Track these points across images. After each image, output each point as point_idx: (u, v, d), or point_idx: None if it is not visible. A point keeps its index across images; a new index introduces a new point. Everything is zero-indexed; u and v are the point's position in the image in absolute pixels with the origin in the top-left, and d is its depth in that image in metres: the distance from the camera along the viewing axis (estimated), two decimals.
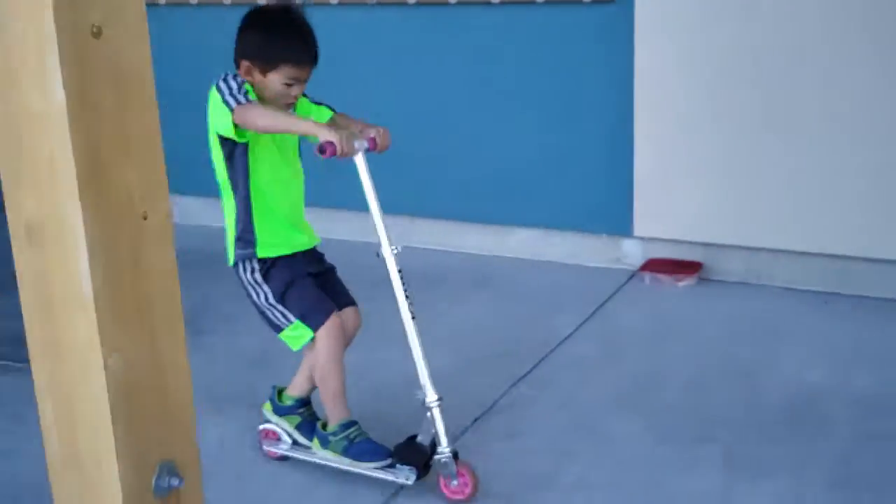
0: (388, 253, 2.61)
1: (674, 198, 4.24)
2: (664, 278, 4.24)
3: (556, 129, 4.43)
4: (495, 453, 2.92)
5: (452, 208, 4.75)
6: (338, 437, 2.74)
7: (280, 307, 2.69)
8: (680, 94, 4.10)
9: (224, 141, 2.60)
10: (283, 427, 2.88)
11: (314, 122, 2.58)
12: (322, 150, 2.47)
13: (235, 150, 2.61)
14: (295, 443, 2.87)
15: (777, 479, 2.72)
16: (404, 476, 2.67)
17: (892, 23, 3.69)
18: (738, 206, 4.12)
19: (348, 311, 2.83)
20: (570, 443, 2.97)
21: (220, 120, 2.54)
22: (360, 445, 2.72)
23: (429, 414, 2.60)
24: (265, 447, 2.92)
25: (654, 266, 4.32)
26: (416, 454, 2.66)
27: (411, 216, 4.82)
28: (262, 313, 2.73)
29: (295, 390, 2.90)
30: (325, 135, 2.46)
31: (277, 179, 2.70)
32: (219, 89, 2.53)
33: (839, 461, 2.80)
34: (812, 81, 3.85)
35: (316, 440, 2.80)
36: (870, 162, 3.83)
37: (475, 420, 3.13)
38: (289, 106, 2.67)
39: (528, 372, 3.44)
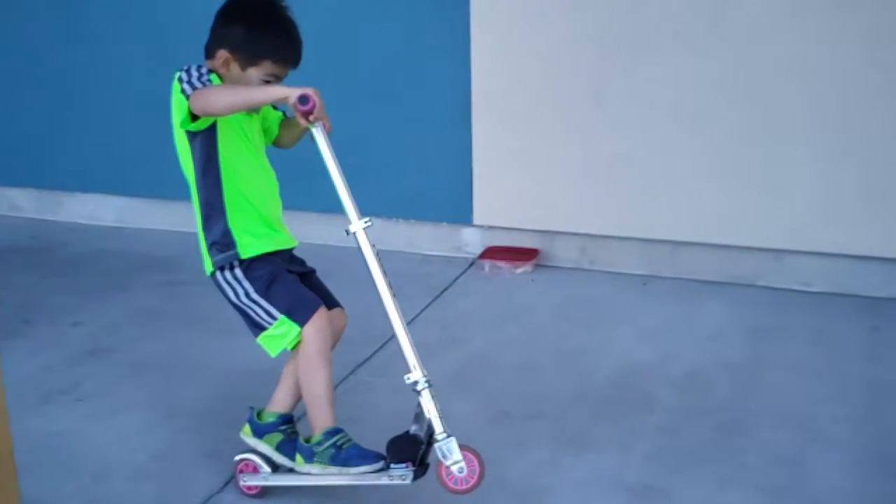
0: (358, 227, 2.42)
1: (511, 186, 4.35)
2: (503, 265, 4.34)
3: (396, 118, 4.48)
4: None
5: (292, 198, 4.71)
6: (323, 447, 2.46)
7: (264, 302, 2.48)
8: (515, 84, 4.21)
9: (191, 137, 2.44)
10: (261, 450, 2.60)
11: (276, 86, 2.42)
12: (305, 100, 2.28)
13: (201, 141, 2.44)
14: (275, 468, 2.59)
15: (602, 451, 2.84)
16: (399, 476, 2.39)
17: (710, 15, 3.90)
18: (571, 194, 4.26)
19: (335, 313, 2.66)
20: (406, 426, 3.01)
21: (180, 113, 2.39)
22: (348, 451, 2.45)
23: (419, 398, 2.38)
24: (242, 482, 2.63)
25: (493, 253, 4.42)
26: (409, 447, 2.39)
27: None
28: (243, 312, 2.52)
29: (276, 406, 2.64)
30: (296, 90, 2.29)
31: (251, 172, 2.53)
32: (180, 80, 2.39)
33: (661, 434, 2.95)
34: (639, 69, 4.02)
35: (299, 456, 2.51)
36: (689, 147, 4.02)
37: None
38: (257, 110, 2.55)
39: (367, 359, 3.47)
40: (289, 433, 2.62)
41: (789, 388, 3.20)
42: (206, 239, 2.52)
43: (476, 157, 4.34)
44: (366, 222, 2.42)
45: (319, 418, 2.49)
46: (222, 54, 2.47)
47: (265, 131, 2.67)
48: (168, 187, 5.00)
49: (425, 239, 4.56)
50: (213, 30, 2.52)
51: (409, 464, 2.39)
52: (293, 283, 2.53)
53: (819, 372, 3.32)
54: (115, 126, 5.01)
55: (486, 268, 4.36)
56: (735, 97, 3.90)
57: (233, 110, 2.39)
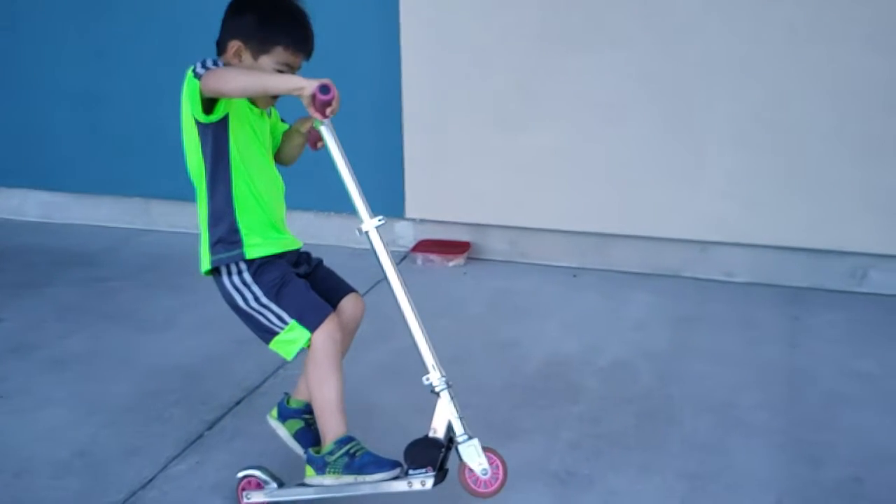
0: (370, 226, 2.32)
1: (443, 180, 4.37)
2: (435, 258, 4.36)
3: None
4: (259, 434, 2.92)
5: None
6: (335, 456, 2.34)
7: (274, 306, 2.39)
8: (445, 78, 4.22)
9: (201, 129, 2.36)
10: (280, 434, 2.60)
11: (292, 76, 2.32)
12: (327, 89, 2.18)
13: (212, 134, 2.35)
14: (280, 484, 2.48)
15: (528, 440, 2.87)
16: (419, 482, 2.27)
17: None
18: (501, 188, 4.29)
19: (350, 299, 2.59)
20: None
21: (192, 102, 2.31)
22: (362, 458, 2.33)
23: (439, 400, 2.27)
24: (245, 499, 2.49)
25: (426, 247, 4.43)
26: (429, 450, 2.28)
27: (184, 200, 4.76)
28: (251, 318, 2.43)
29: (301, 395, 2.61)
30: (314, 80, 2.19)
31: (260, 171, 2.45)
32: (193, 69, 2.30)
33: (585, 422, 2.99)
34: (566, 64, 4.06)
35: (309, 468, 2.38)
36: (616, 140, 4.08)
37: (237, 402, 3.12)
38: (275, 99, 2.47)
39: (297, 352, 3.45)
40: (310, 423, 2.57)
41: (711, 377, 3.27)
42: (211, 236, 2.44)
43: (407, 151, 4.35)
44: (379, 220, 2.32)
45: (331, 426, 2.38)
46: (234, 44, 2.39)
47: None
48: (93, 183, 4.95)
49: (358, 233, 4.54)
50: (224, 23, 2.45)
51: (429, 468, 2.28)
52: (303, 287, 2.45)
53: (740, 360, 3.40)
54: (41, 121, 4.92)
55: (419, 261, 4.37)
56: (659, 91, 3.96)
57: (245, 93, 2.32)
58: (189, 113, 2.35)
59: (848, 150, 3.81)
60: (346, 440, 2.36)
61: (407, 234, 4.52)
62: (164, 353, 3.48)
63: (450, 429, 2.27)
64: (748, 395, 3.13)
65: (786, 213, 3.93)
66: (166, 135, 4.66)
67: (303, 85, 2.21)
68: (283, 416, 2.62)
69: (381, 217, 2.32)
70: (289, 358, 2.45)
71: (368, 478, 2.30)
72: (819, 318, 3.73)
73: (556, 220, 4.26)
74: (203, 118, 2.33)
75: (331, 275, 2.64)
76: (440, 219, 4.44)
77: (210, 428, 2.98)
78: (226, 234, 2.42)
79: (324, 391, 2.38)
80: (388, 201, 4.45)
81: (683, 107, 3.95)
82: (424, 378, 2.29)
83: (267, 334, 2.43)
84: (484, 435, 2.85)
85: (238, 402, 3.12)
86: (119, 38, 4.68)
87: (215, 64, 2.35)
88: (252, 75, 2.30)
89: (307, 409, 2.59)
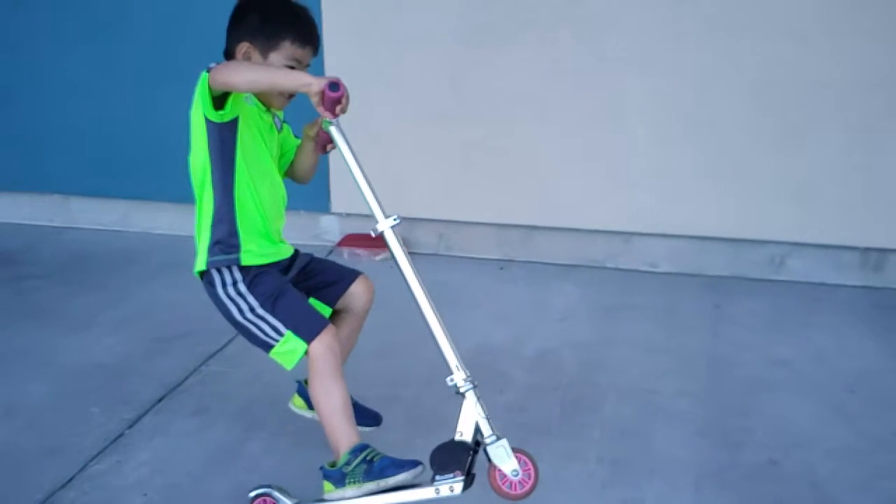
0: (385, 226, 2.27)
1: (368, 173, 4.34)
2: (362, 252, 4.34)
3: None
4: (179, 431, 2.90)
5: (146, 188, 4.62)
6: (353, 465, 2.25)
7: (270, 318, 2.35)
8: (371, 70, 4.21)
9: (210, 128, 2.32)
10: (307, 416, 2.61)
11: (301, 72, 2.29)
12: (336, 86, 2.15)
13: (220, 134, 2.33)
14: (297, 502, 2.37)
15: (453, 431, 2.87)
16: (447, 488, 2.16)
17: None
18: (428, 181, 4.29)
19: (359, 283, 2.62)
20: (258, 415, 2.99)
21: (203, 101, 2.29)
22: (381, 462, 2.25)
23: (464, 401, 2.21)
24: None
25: (352, 241, 4.42)
26: (456, 454, 2.18)
27: (105, 197, 4.69)
28: (246, 330, 2.38)
29: None
30: (323, 77, 2.17)
31: (264, 179, 2.43)
32: (207, 68, 2.27)
33: (511, 411, 3.01)
34: (492, 58, 4.07)
35: (327, 484, 2.28)
36: (540, 134, 4.11)
37: (159, 400, 3.08)
38: (289, 98, 2.45)
39: (220, 349, 3.42)
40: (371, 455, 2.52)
41: (634, 365, 3.32)
42: (211, 237, 2.40)
43: None
44: (394, 220, 2.27)
45: (342, 437, 2.31)
46: (242, 47, 2.39)
47: (282, 155, 2.60)
48: (13, 180, 4.83)
49: (284, 227, 4.51)
50: (229, 32, 2.45)
51: (457, 473, 2.17)
52: (300, 298, 2.44)
53: (663, 348, 3.45)
54: None
55: (346, 255, 4.35)
56: (582, 85, 4.00)
57: (253, 86, 2.30)
58: (200, 111, 2.32)
59: (765, 140, 3.89)
60: (360, 448, 2.28)
61: (332, 229, 4.51)
62: (84, 352, 3.41)
63: (477, 430, 2.20)
64: (670, 383, 3.19)
65: (706, 204, 4.01)
66: (85, 131, 4.62)
67: (311, 81, 2.19)
68: (306, 395, 2.59)
69: (396, 216, 2.27)
70: (289, 367, 2.39)
71: (391, 480, 2.21)
72: (739, 306, 3.81)
73: (483, 213, 4.28)
74: (213, 115, 2.30)
75: (328, 266, 2.64)
76: (367, 212, 4.40)
77: (131, 427, 2.93)
78: (225, 237, 2.39)
79: (330, 402, 2.32)
80: (313, 195, 4.42)
81: (606, 100, 4.00)
82: (448, 379, 2.23)
83: (264, 346, 2.39)
84: (409, 427, 2.88)
85: (159, 400, 3.08)
86: (34, 31, 4.57)
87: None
88: (261, 69, 2.31)
89: None
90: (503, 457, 2.17)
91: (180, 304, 3.81)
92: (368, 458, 2.26)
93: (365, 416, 2.64)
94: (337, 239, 4.46)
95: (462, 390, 2.22)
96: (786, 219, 3.95)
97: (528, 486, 2.17)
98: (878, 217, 3.86)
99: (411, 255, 4.29)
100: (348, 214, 4.45)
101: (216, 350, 3.41)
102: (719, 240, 4.07)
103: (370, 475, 2.22)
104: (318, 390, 2.33)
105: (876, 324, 3.65)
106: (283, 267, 2.50)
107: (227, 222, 2.38)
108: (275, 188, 2.50)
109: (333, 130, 2.29)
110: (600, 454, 2.76)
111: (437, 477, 2.18)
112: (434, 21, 4.10)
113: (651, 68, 3.92)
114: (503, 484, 2.17)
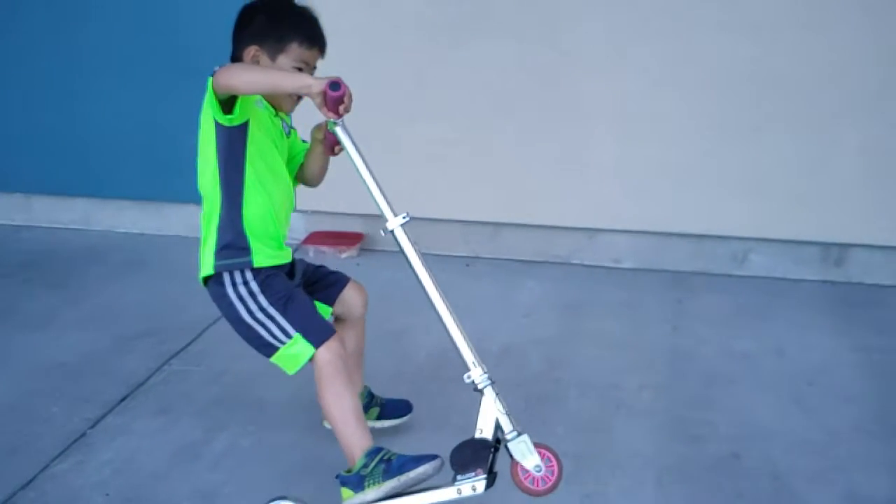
0: (395, 224, 2.25)
1: (333, 170, 4.32)
2: (327, 250, 4.34)
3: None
4: (142, 431, 2.88)
5: (108, 186, 4.59)
6: (370, 468, 2.25)
7: (280, 318, 2.34)
8: (334, 64, 4.17)
9: (220, 132, 2.32)
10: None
11: (304, 74, 2.32)
12: (337, 86, 2.15)
13: (230, 138, 2.32)
14: None
15: (419, 427, 2.88)
16: (470, 487, 2.14)
17: None
18: (393, 178, 4.26)
19: (351, 287, 2.66)
20: (221, 414, 2.98)
21: (211, 105, 2.29)
22: (399, 459, 2.25)
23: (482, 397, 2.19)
24: None
25: (317, 239, 4.41)
26: (477, 452, 2.16)
27: (66, 196, 4.64)
28: (251, 330, 2.36)
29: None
30: (323, 78, 2.17)
31: (277, 183, 2.43)
32: (212, 72, 2.26)
33: (475, 408, 2.99)
34: (455, 58, 4.08)
35: (346, 491, 2.27)
36: (505, 130, 4.12)
37: (122, 399, 3.06)
38: (297, 100, 2.46)
39: (183, 348, 3.40)
40: (379, 401, 2.78)
41: (597, 360, 3.34)
42: (218, 241, 2.38)
43: None
44: (403, 218, 2.26)
45: (355, 442, 2.30)
46: (250, 50, 2.39)
47: (290, 160, 2.60)
48: None
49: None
50: (235, 37, 2.44)
51: (479, 471, 2.15)
52: (309, 303, 2.44)
53: (626, 343, 3.48)
54: None
55: (311, 253, 4.34)
56: (546, 81, 4.01)
57: (255, 88, 2.26)
58: (209, 115, 2.31)
59: (726, 136, 3.93)
60: (376, 450, 2.28)
61: (298, 226, 4.48)
62: (46, 351, 3.38)
63: (497, 427, 2.18)
64: (632, 378, 3.21)
65: (668, 200, 4.04)
66: (47, 129, 4.56)
67: (311, 83, 2.18)
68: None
69: (405, 214, 2.26)
70: (291, 372, 2.38)
71: (412, 474, 2.19)
72: (701, 301, 3.84)
73: (449, 210, 4.28)
74: (222, 119, 2.29)
75: (320, 269, 2.66)
76: (332, 210, 4.41)
77: (93, 426, 2.90)
78: (232, 240, 2.37)
79: (342, 407, 2.31)
80: None
81: (568, 95, 4.01)
82: (466, 376, 2.21)
83: (268, 349, 2.37)
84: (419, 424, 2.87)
85: (122, 400, 3.06)
86: None
87: None
88: (262, 71, 2.30)
89: (370, 394, 2.75)
90: (525, 452, 2.15)
91: (143, 302, 3.79)
92: (385, 458, 2.25)
93: (396, 407, 2.78)
94: (302, 237, 4.45)
95: (480, 387, 2.20)
96: (747, 214, 3.99)
97: (551, 482, 2.16)
98: (838, 212, 3.91)
99: (376, 252, 4.35)
100: (314, 212, 4.43)
101: (179, 349, 3.39)
102: (682, 235, 4.10)
103: (389, 473, 2.21)
104: (328, 397, 2.31)
105: (836, 318, 3.69)
106: (287, 271, 2.50)
107: (235, 225, 2.36)
108: (287, 192, 2.50)
109: (339, 131, 2.29)
110: (564, 449, 2.74)
111: (459, 476, 2.16)
112: (397, 16, 4.10)
113: (613, 64, 3.95)
114: (526, 480, 2.15)
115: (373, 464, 2.25)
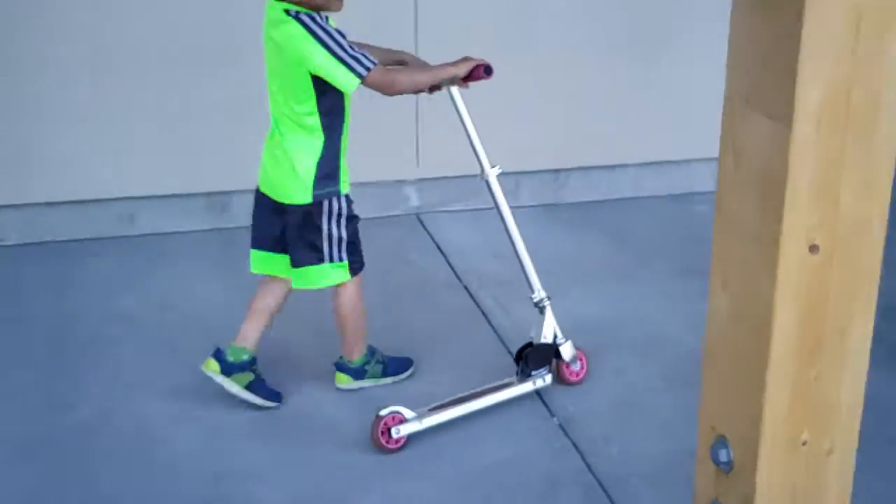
0: (491, 174, 2.79)
1: None
2: None
3: None
4: None
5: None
6: (371, 365, 2.98)
7: (343, 244, 2.78)
8: None
9: (319, 82, 2.62)
10: (230, 389, 2.82)
11: (449, 67, 2.72)
12: (489, 70, 2.71)
13: (334, 94, 2.66)
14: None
15: None
16: (541, 380, 2.88)
17: None
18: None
19: None
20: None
21: (330, 71, 2.58)
22: (392, 363, 3.04)
23: (543, 313, 2.87)
24: (396, 434, 2.68)
25: None
26: (545, 353, 2.87)
27: None
28: (318, 241, 2.74)
29: (248, 342, 2.85)
30: (466, 63, 2.72)
31: (348, 121, 2.77)
32: (351, 69, 2.58)
33: None
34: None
35: (344, 376, 2.96)
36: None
37: None
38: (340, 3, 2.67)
39: None
40: (258, 373, 2.87)
41: None
42: (318, 171, 2.70)
43: None
44: (498, 169, 2.80)
45: (360, 345, 2.95)
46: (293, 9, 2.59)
47: None
48: None
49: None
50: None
51: (547, 367, 2.88)
52: (358, 236, 2.85)
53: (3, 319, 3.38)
54: None
55: None
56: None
57: (418, 88, 2.76)
58: (311, 68, 2.59)
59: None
60: (372, 352, 3.00)
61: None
62: None
63: (555, 334, 2.89)
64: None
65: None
66: None
67: (454, 71, 2.72)
68: (228, 371, 2.81)
69: (498, 166, 2.79)
70: (315, 287, 2.81)
71: (402, 374, 3.04)
72: (87, 269, 3.80)
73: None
74: (348, 88, 2.63)
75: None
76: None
77: None
78: (332, 171, 2.73)
79: (359, 323, 2.92)
80: None
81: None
82: (532, 296, 2.86)
83: (313, 256, 2.76)
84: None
85: None
86: None
87: (320, 18, 2.58)
88: (421, 72, 2.74)
89: (254, 360, 2.85)
90: (570, 352, 2.93)
91: None
92: (381, 360, 3.00)
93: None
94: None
95: (543, 304, 2.87)
96: (135, 174, 4.00)
97: (582, 374, 2.99)
98: (221, 162, 4.04)
99: None
100: None
101: None
102: (66, 203, 3.98)
103: (387, 373, 3.00)
104: (352, 314, 2.89)
105: (223, 263, 3.83)
106: None
107: (335, 157, 2.74)
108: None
109: (454, 90, 2.76)
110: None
111: (533, 372, 2.86)
112: None
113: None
114: (568, 373, 2.96)
115: (373, 362, 2.97)
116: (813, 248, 1.31)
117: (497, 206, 2.82)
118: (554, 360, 2.91)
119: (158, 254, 3.94)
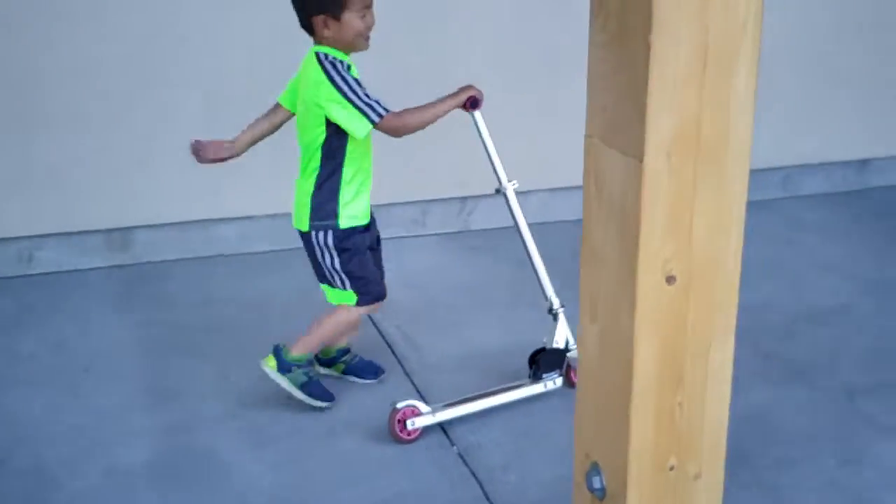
0: (508, 187, 2.97)
1: None
2: None
3: None
4: None
5: None
6: (300, 371, 2.96)
7: (343, 274, 2.92)
8: None
9: (329, 124, 2.79)
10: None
11: (446, 98, 2.89)
12: (475, 104, 2.92)
13: (341, 135, 2.81)
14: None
15: None
16: (552, 382, 3.02)
17: None
18: None
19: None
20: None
21: (344, 118, 2.75)
22: (315, 385, 3.00)
23: (556, 320, 3.00)
24: (411, 426, 2.83)
25: None
26: (556, 358, 3.01)
27: None
28: (319, 266, 2.94)
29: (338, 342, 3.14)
30: (464, 92, 2.90)
31: (368, 152, 2.91)
32: (333, 81, 2.74)
33: None
34: None
35: (272, 360, 2.95)
36: None
37: None
38: (367, 39, 2.81)
39: None
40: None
41: None
42: (313, 202, 2.88)
43: None
44: (513, 184, 2.97)
45: (309, 349, 2.98)
46: (318, 20, 2.75)
47: None
48: None
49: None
50: (299, 11, 2.79)
51: (558, 371, 3.02)
52: (370, 263, 2.97)
53: None
54: None
55: None
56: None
57: (426, 125, 2.87)
58: (326, 112, 2.76)
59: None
60: (310, 363, 3.02)
61: None
62: None
63: (566, 340, 3.01)
64: None
65: None
66: None
67: (454, 103, 2.89)
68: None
69: (514, 181, 2.97)
70: (335, 302, 2.97)
71: (309, 400, 2.98)
72: None
73: None
74: (360, 134, 2.79)
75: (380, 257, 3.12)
76: None
77: None
78: (329, 205, 2.89)
79: (328, 334, 2.99)
80: None
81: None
82: (548, 303, 3.00)
83: (325, 278, 2.96)
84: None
85: None
86: None
87: (341, 66, 2.77)
88: (426, 110, 2.85)
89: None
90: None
91: None
92: (311, 375, 3.00)
93: (368, 369, 3.19)
94: None
95: (556, 312, 3.00)
96: (32, 212, 3.91)
97: None
98: (119, 197, 3.99)
99: None
100: None
101: None
102: None
103: (303, 388, 2.96)
104: (331, 327, 2.97)
105: (121, 300, 3.78)
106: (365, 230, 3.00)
107: (331, 192, 2.87)
108: (370, 163, 2.96)
109: (476, 115, 2.95)
110: None
111: (545, 375, 3.00)
112: None
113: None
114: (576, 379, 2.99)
115: (302, 370, 2.97)
116: (670, 279, 1.35)
117: (513, 217, 3.01)
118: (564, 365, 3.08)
119: (58, 292, 3.85)
